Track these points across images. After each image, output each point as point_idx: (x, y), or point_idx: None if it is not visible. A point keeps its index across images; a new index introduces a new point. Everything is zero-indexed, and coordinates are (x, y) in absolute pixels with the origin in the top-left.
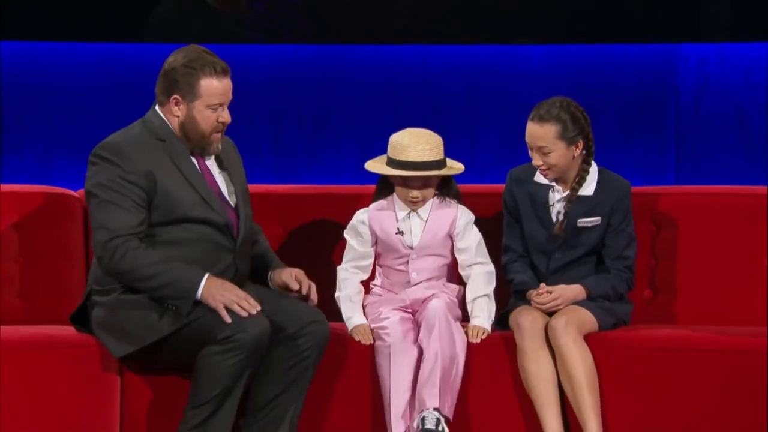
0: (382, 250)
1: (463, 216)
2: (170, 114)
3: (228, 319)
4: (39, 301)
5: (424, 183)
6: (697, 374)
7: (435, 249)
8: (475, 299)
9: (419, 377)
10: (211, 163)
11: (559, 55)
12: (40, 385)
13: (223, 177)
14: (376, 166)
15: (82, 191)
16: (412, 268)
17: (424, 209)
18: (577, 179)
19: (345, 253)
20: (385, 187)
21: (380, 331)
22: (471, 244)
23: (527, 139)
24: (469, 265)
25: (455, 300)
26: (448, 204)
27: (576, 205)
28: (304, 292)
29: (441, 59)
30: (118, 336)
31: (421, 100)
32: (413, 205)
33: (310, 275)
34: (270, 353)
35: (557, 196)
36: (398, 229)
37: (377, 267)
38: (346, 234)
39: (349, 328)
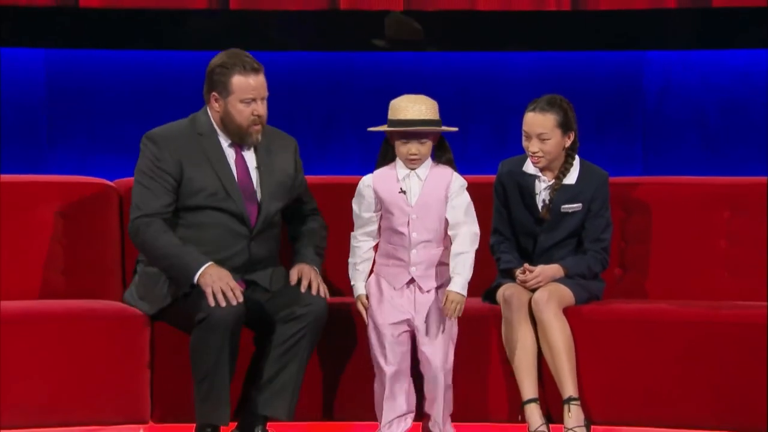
0: (384, 211)
1: (458, 180)
2: (213, 110)
3: (212, 302)
4: (79, 278)
5: (421, 140)
6: (662, 343)
7: (432, 208)
8: (458, 254)
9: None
10: (249, 158)
11: (542, 61)
12: (81, 351)
13: (257, 172)
14: (377, 128)
15: (118, 181)
16: (412, 228)
17: (423, 169)
18: (562, 169)
19: (354, 221)
20: (387, 153)
21: (380, 351)
22: (462, 203)
23: (526, 128)
24: (458, 223)
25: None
26: (443, 168)
27: (560, 192)
28: (303, 287)
29: (435, 64)
30: (140, 298)
31: None
32: (412, 163)
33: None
34: (270, 332)
35: (543, 185)
36: (401, 188)
37: (380, 234)
38: (353, 202)
39: (354, 293)
